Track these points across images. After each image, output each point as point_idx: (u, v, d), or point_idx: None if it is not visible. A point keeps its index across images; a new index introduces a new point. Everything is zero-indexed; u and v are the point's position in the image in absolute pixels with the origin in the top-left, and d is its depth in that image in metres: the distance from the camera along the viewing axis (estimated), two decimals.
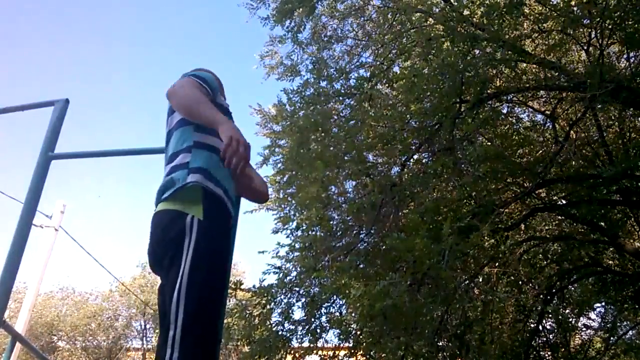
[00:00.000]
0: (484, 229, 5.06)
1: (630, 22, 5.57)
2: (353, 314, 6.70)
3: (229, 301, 7.13)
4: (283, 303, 7.30)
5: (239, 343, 7.52)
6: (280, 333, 6.98)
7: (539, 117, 8.26)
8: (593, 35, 6.16)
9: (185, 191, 1.93)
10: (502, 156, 6.48)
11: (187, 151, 2.04)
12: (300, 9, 7.02)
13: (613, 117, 7.57)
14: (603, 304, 9.34)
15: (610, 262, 8.84)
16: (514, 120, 7.79)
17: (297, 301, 7.50)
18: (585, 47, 6.46)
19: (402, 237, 5.20)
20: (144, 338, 24.97)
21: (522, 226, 7.76)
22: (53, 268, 42.56)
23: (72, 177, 39.01)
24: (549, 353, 9.11)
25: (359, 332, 6.83)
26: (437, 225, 5.40)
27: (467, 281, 6.82)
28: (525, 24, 6.95)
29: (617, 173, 5.53)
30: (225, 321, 2.09)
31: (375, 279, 5.35)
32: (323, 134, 6.85)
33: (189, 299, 1.73)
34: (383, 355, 6.31)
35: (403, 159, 6.85)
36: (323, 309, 7.25)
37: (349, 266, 6.03)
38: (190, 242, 1.82)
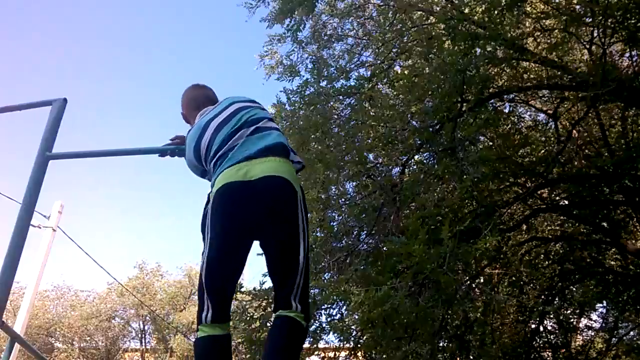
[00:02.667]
0: (490, 237, 5.00)
1: (632, 21, 5.54)
2: (354, 316, 6.66)
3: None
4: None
5: (240, 346, 7.47)
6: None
7: (541, 116, 8.24)
8: (595, 34, 6.12)
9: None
10: (504, 156, 6.45)
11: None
12: (300, 8, 6.97)
13: (616, 117, 7.54)
14: (604, 304, 9.31)
15: (612, 262, 8.81)
16: (515, 120, 7.75)
17: None
18: (587, 46, 6.42)
19: (402, 241, 5.15)
20: (143, 339, 24.95)
21: (524, 226, 7.73)
22: (51, 268, 42.44)
23: (70, 177, 38.95)
24: (550, 354, 9.09)
25: (359, 334, 6.79)
26: (438, 227, 5.36)
27: (468, 282, 6.79)
28: (526, 22, 6.91)
29: (616, 163, 5.49)
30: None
31: (376, 281, 5.30)
32: (323, 134, 6.80)
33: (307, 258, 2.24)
34: (384, 356, 6.28)
35: (404, 160, 6.81)
36: (323, 310, 7.21)
37: (351, 274, 5.98)
38: (305, 212, 2.28)
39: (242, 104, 2.50)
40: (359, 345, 6.86)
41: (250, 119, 2.38)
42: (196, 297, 25.53)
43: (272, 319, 2.33)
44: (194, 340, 2.09)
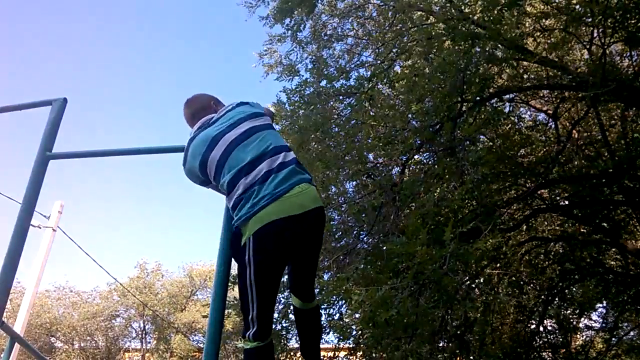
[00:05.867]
0: (490, 237, 5.01)
1: (632, 21, 5.54)
2: (354, 316, 6.66)
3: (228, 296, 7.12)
4: (281, 302, 7.28)
5: (235, 338, 7.52)
6: (277, 330, 6.99)
7: (541, 116, 8.24)
8: (595, 34, 6.12)
9: None
10: (504, 157, 6.45)
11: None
12: (300, 8, 6.97)
13: (615, 117, 7.54)
14: (605, 304, 9.31)
15: (612, 262, 8.81)
16: (515, 120, 7.75)
17: None
18: (587, 46, 6.42)
19: (402, 241, 5.15)
20: (143, 339, 24.95)
21: (524, 227, 7.73)
22: (51, 268, 42.49)
23: (70, 177, 38.98)
24: (549, 354, 9.09)
25: (359, 334, 6.79)
26: (439, 228, 5.35)
27: (468, 282, 6.79)
28: (526, 22, 6.91)
29: (616, 164, 5.50)
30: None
31: (376, 281, 5.30)
32: (323, 134, 6.80)
33: None
34: (384, 356, 6.28)
35: (404, 160, 6.80)
36: (323, 310, 7.21)
37: (351, 272, 5.98)
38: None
39: (253, 123, 2.51)
40: (358, 345, 6.87)
41: (271, 147, 2.42)
42: (197, 297, 25.67)
43: (294, 305, 2.60)
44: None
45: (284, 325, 7.25)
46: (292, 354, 7.19)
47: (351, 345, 7.12)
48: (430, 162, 6.88)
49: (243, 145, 2.38)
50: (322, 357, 7.25)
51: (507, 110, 7.57)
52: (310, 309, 2.55)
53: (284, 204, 2.26)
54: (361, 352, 6.98)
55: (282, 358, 7.15)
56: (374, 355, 6.74)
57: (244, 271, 2.27)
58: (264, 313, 2.30)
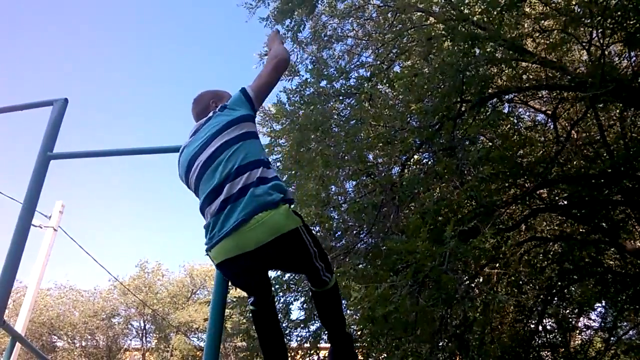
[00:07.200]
0: (487, 234, 5.03)
1: (631, 22, 5.55)
2: (354, 316, 6.68)
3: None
4: (281, 301, 7.29)
5: (236, 337, 7.54)
6: None
7: (540, 116, 8.25)
8: (594, 35, 6.13)
9: None
10: (503, 157, 6.46)
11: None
12: (301, 9, 6.99)
13: (614, 117, 7.55)
14: (603, 304, 9.32)
15: (611, 262, 8.82)
16: (515, 120, 7.77)
17: (295, 300, 7.50)
18: (586, 47, 6.44)
19: (402, 240, 5.17)
20: (144, 338, 24.97)
21: (523, 226, 7.74)
22: (52, 268, 42.52)
23: (71, 177, 39.00)
24: (548, 353, 9.10)
25: (358, 332, 6.81)
26: (439, 227, 5.37)
27: (468, 282, 6.81)
28: (526, 23, 6.92)
29: (614, 165, 5.51)
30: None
31: (375, 279, 5.32)
32: (323, 134, 6.82)
33: None
34: (384, 355, 6.30)
35: (403, 159, 6.82)
36: None
37: (350, 268, 6.00)
38: (308, 234, 2.43)
39: (224, 138, 2.35)
40: (357, 344, 6.88)
41: (234, 169, 2.24)
42: (196, 297, 25.68)
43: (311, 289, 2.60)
44: None
45: (284, 325, 7.27)
46: (292, 353, 7.21)
47: None
48: (430, 162, 6.89)
49: (211, 170, 2.30)
50: (323, 357, 7.31)
51: (506, 110, 7.59)
52: (321, 291, 2.50)
53: (235, 240, 2.16)
54: (360, 351, 6.99)
55: None
56: (373, 354, 6.76)
57: None
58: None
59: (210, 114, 2.52)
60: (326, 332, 2.74)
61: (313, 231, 2.70)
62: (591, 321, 9.88)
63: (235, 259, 2.21)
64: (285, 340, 7.06)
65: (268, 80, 2.53)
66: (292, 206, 2.29)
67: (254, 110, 2.50)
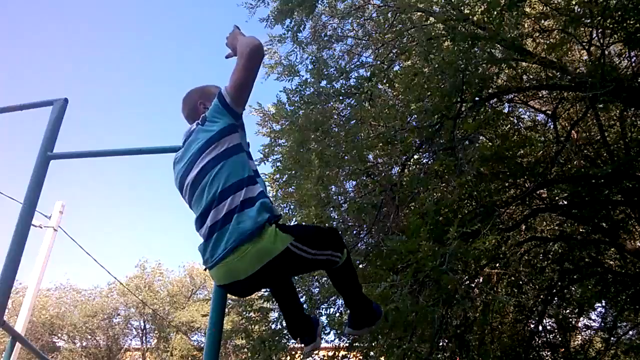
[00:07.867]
0: (490, 237, 5.03)
1: (631, 22, 5.55)
2: None
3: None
4: None
5: (235, 337, 7.54)
6: (278, 329, 7.01)
7: (540, 116, 8.25)
8: (594, 35, 6.14)
9: None
10: (503, 157, 6.46)
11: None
12: (300, 9, 6.98)
13: (614, 117, 7.55)
14: (603, 304, 9.33)
15: (611, 262, 8.82)
16: (515, 120, 7.77)
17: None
18: (586, 47, 6.44)
19: (403, 239, 5.17)
20: (144, 337, 24.97)
21: (523, 226, 7.74)
22: (52, 268, 42.53)
23: (71, 177, 39.01)
24: (549, 353, 9.10)
25: None
26: (439, 227, 5.37)
27: (468, 282, 6.81)
28: (526, 22, 6.92)
29: (615, 167, 5.51)
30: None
31: (375, 279, 5.33)
32: (323, 134, 6.82)
33: None
34: (383, 356, 6.30)
35: (403, 159, 6.82)
36: (322, 309, 7.24)
37: None
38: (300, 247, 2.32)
39: (205, 158, 2.26)
40: (357, 344, 6.89)
41: (218, 194, 2.18)
42: (196, 297, 25.68)
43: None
44: None
45: (284, 325, 7.27)
46: (292, 353, 7.21)
47: (347, 344, 7.13)
48: (429, 162, 6.89)
49: (198, 193, 2.27)
50: (322, 357, 7.30)
51: (506, 110, 7.59)
52: (334, 269, 2.45)
53: (225, 269, 2.17)
54: (359, 351, 7.00)
55: (282, 358, 7.17)
56: (373, 354, 6.77)
57: None
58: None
59: (194, 126, 2.40)
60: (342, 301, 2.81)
61: None
62: (591, 321, 9.91)
63: (232, 284, 2.24)
64: (285, 339, 7.08)
65: (244, 74, 2.26)
66: (279, 221, 2.20)
67: (236, 115, 2.31)
